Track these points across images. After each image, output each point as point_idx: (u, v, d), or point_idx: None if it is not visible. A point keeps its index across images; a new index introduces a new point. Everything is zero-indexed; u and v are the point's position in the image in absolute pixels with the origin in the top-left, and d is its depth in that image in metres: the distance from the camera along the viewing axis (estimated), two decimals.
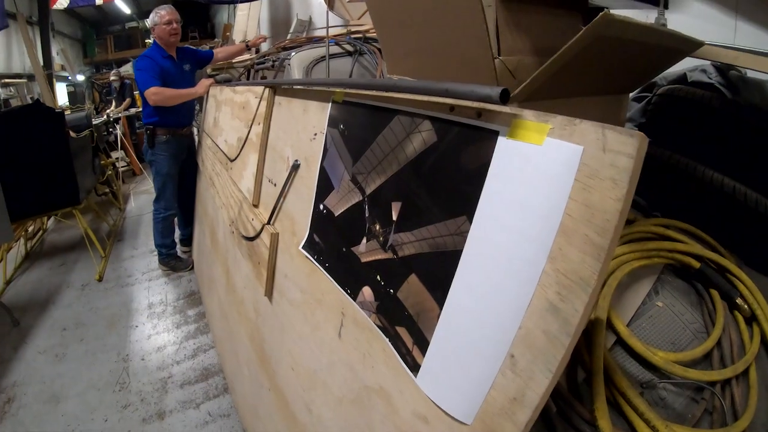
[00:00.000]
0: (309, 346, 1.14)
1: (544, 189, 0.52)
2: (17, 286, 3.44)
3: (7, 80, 6.83)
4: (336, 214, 0.98)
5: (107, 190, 5.09)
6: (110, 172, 4.92)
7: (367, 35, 2.65)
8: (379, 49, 2.37)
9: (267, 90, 1.59)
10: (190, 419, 2.00)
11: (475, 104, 0.63)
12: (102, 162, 4.59)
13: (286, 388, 1.30)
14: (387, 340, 0.79)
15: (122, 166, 5.45)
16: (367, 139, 0.88)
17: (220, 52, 3.47)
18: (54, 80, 9.21)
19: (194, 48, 3.44)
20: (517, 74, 1.20)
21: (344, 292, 0.92)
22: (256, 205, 1.62)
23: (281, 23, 5.72)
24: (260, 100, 1.66)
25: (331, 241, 1.00)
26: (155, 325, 2.73)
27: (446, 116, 0.69)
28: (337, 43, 2.54)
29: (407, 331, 0.73)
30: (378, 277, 0.80)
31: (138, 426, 1.99)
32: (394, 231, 0.77)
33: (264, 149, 1.59)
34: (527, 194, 0.54)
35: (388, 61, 1.64)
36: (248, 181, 1.72)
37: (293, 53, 2.28)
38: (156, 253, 3.42)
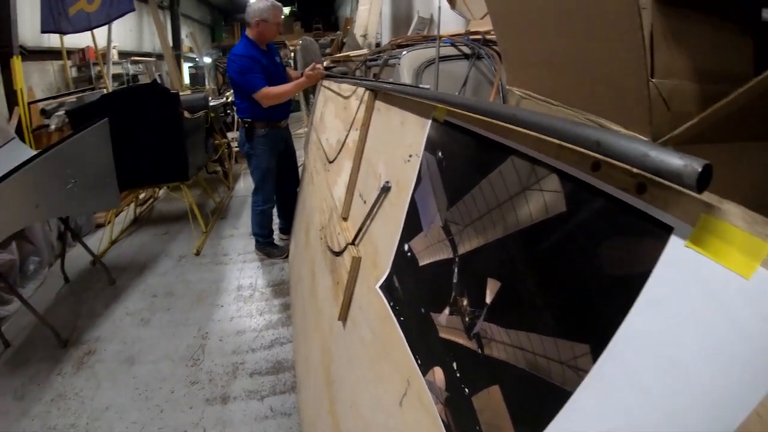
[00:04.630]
0: (370, 394, 1.01)
1: (734, 356, 0.30)
2: (121, 248, 3.75)
3: (136, 58, 7.63)
4: (420, 264, 0.82)
5: (218, 168, 5.35)
6: (224, 152, 5.18)
7: (487, 37, 2.40)
8: (499, 53, 2.13)
9: (367, 93, 1.47)
10: (251, 410, 2.00)
11: (637, 171, 0.39)
12: (216, 142, 4.80)
13: (343, 423, 1.19)
14: None
15: (236, 147, 5.78)
16: (469, 178, 0.69)
17: (291, 73, 3.25)
18: (182, 61, 10.20)
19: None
20: (672, 104, 0.91)
21: (414, 360, 0.76)
22: (345, 218, 1.53)
23: (402, 20, 5.63)
24: (360, 103, 1.55)
25: (411, 294, 0.84)
26: (239, 308, 2.79)
27: (585, 177, 0.45)
28: (453, 44, 2.33)
29: None
30: (454, 365, 0.63)
31: (200, 404, 2.03)
32: (485, 318, 0.58)
33: (359, 159, 1.48)
34: (701, 354, 0.32)
35: (509, 69, 1.43)
36: (340, 189, 1.63)
37: (404, 52, 2.14)
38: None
